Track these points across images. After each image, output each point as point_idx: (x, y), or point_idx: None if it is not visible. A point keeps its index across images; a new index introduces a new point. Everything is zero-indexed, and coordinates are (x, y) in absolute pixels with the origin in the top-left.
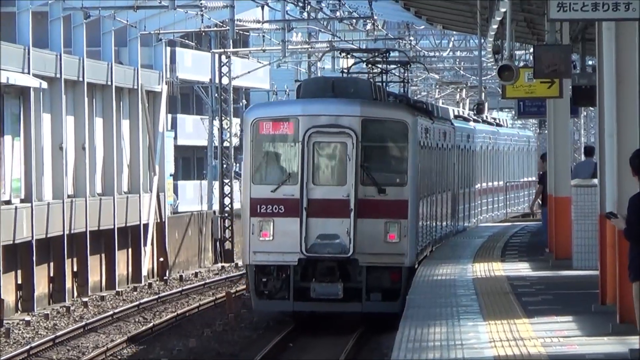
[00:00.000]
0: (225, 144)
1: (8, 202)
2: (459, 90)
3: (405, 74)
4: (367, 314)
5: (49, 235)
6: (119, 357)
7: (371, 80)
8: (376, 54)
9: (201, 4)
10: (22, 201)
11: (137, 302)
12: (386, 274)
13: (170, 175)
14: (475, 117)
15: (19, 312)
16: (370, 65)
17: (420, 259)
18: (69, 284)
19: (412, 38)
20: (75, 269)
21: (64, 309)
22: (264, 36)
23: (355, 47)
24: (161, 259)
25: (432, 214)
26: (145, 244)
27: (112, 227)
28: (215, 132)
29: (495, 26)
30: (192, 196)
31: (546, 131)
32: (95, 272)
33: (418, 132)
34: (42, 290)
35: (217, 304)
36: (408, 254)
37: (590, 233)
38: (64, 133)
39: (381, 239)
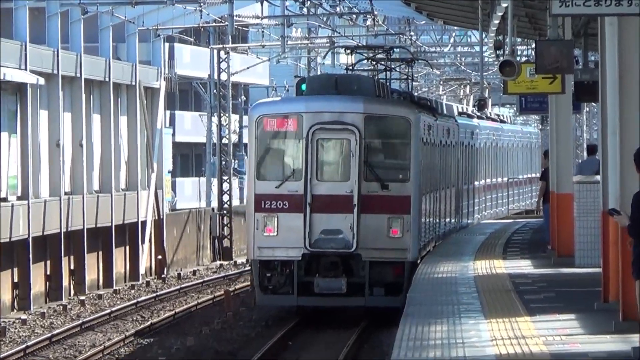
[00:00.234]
0: (224, 140)
1: (4, 200)
2: (462, 86)
3: (409, 71)
4: (370, 309)
5: (45, 233)
6: (117, 356)
7: (374, 77)
8: (379, 51)
9: None
10: (18, 198)
11: (134, 301)
12: (389, 269)
13: (169, 172)
14: (479, 114)
15: (15, 311)
16: (374, 63)
17: (423, 255)
18: (65, 282)
19: (412, 33)
20: (72, 267)
21: (61, 307)
22: (263, 32)
23: (359, 44)
24: (159, 257)
25: (435, 210)
26: (143, 242)
27: (110, 224)
28: (214, 128)
29: (496, 21)
30: (191, 193)
31: (548, 127)
32: (92, 270)
33: (421, 128)
34: (38, 288)
35: (216, 302)
36: (411, 249)
37: (592, 230)
38: (61, 130)
39: (384, 234)
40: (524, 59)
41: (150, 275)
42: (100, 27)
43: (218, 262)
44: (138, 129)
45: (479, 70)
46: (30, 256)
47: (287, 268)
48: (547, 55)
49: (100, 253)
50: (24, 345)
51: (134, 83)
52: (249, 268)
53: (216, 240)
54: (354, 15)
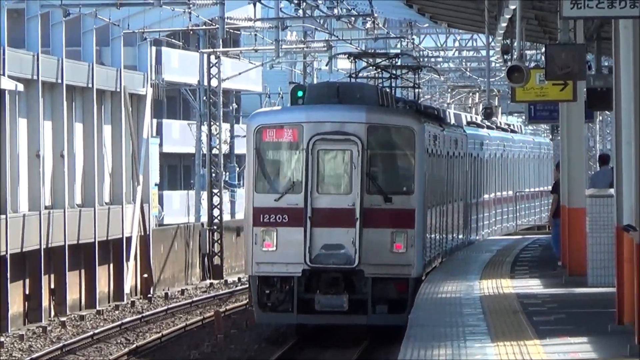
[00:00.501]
0: (215, 151)
1: None
2: (471, 94)
3: (415, 79)
4: (372, 327)
5: (24, 250)
6: None
7: (377, 85)
8: (385, 58)
9: (189, 0)
10: None
11: (119, 322)
12: (392, 285)
13: (155, 184)
14: (489, 124)
15: None
16: (379, 70)
17: (429, 271)
18: (45, 302)
19: (414, 37)
20: (52, 286)
21: (40, 329)
22: (256, 35)
23: (359, 49)
24: (145, 275)
25: (441, 224)
26: (128, 259)
27: (93, 240)
28: (204, 138)
29: (504, 24)
30: (179, 207)
31: (559, 138)
32: (74, 290)
33: (425, 139)
34: (16, 309)
35: (205, 324)
36: (415, 265)
37: (606, 247)
38: (41, 139)
39: (387, 249)
40: (533, 64)
41: (136, 294)
42: (83, 30)
43: (208, 281)
44: (123, 138)
45: (485, 76)
46: (8, 274)
47: (287, 284)
48: (558, 61)
49: (83, 271)
50: None
51: (118, 89)
52: (245, 286)
53: (206, 258)
54: (353, 18)
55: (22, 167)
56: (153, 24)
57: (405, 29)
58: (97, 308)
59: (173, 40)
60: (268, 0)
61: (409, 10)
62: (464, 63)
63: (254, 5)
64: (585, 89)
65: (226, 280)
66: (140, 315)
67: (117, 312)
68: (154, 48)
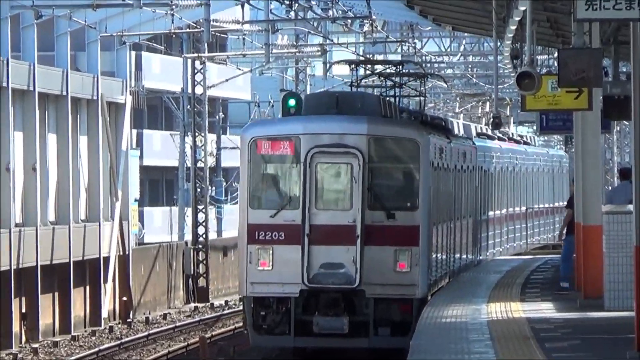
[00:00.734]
0: (199, 164)
1: None
2: (480, 103)
3: (421, 88)
4: (374, 351)
5: None
6: None
7: (379, 95)
8: (388, 65)
9: (171, 2)
10: None
11: (96, 349)
12: (396, 306)
13: (135, 200)
14: (500, 135)
15: None
16: (382, 78)
17: (434, 292)
18: (16, 327)
19: (416, 41)
20: (23, 310)
21: (10, 356)
22: (244, 39)
23: (357, 54)
24: (124, 298)
25: (448, 242)
26: (105, 281)
27: (67, 260)
28: (188, 150)
29: (513, 27)
30: (161, 225)
31: (573, 150)
32: (47, 314)
33: (431, 151)
34: None
35: (190, 350)
36: (420, 285)
37: (624, 268)
38: (11, 152)
39: (390, 268)
40: (544, 70)
41: (114, 319)
42: (56, 33)
43: (192, 305)
44: (100, 150)
45: (492, 83)
46: None
47: (283, 306)
48: (572, 66)
49: (56, 294)
50: None
51: (95, 97)
52: (233, 310)
53: (190, 279)
54: (349, 20)
55: None
56: (132, 26)
57: (406, 32)
58: (72, 334)
59: (154, 44)
60: (257, 1)
61: (410, 12)
62: (469, 69)
63: (242, 6)
64: (601, 97)
65: (212, 304)
66: (119, 342)
67: (93, 338)
68: (133, 53)
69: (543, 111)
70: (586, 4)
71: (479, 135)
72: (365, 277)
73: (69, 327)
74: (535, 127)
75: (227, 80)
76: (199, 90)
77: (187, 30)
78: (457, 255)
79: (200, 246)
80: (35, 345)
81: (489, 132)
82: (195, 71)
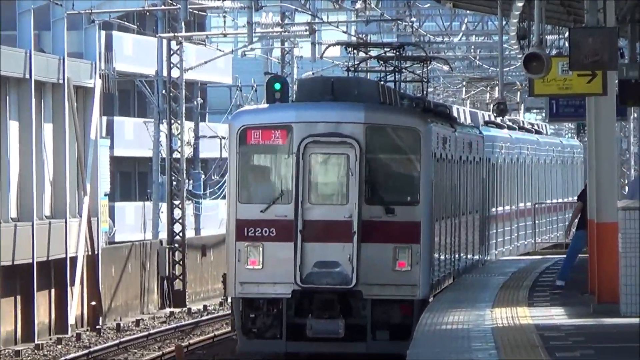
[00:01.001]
0: (176, 154)
1: None
2: (488, 88)
3: (424, 72)
4: (372, 356)
5: None
6: None
7: (378, 80)
8: (388, 49)
9: None
10: None
11: (62, 359)
12: (395, 308)
13: (105, 195)
14: (510, 124)
15: None
16: (382, 63)
17: (436, 292)
18: None
19: (414, 19)
20: None
21: None
22: (224, 17)
23: (365, 41)
24: (93, 303)
25: (452, 239)
26: (72, 284)
27: (30, 261)
28: (163, 139)
29: (520, 4)
30: (133, 222)
31: (586, 139)
32: (7, 320)
33: (433, 141)
34: None
35: None
36: (420, 285)
37: None
38: None
39: (389, 267)
40: (554, 51)
41: (82, 326)
42: (18, 10)
43: (168, 310)
44: (67, 139)
45: (497, 66)
46: None
47: (275, 307)
48: (585, 47)
49: (18, 298)
50: None
51: (61, 81)
52: (213, 316)
53: (165, 282)
54: None
55: None
56: (102, 3)
57: (402, 9)
58: (36, 342)
59: (126, 23)
60: None
61: None
62: (472, 50)
63: None
64: (616, 81)
65: (189, 309)
66: (87, 351)
67: (59, 346)
68: (103, 32)
69: (553, 96)
70: None
71: (486, 123)
72: (363, 277)
73: (32, 335)
74: (544, 114)
75: (206, 62)
76: (175, 73)
77: (162, 7)
78: (462, 254)
79: (176, 245)
80: None
81: (498, 121)
82: (171, 52)
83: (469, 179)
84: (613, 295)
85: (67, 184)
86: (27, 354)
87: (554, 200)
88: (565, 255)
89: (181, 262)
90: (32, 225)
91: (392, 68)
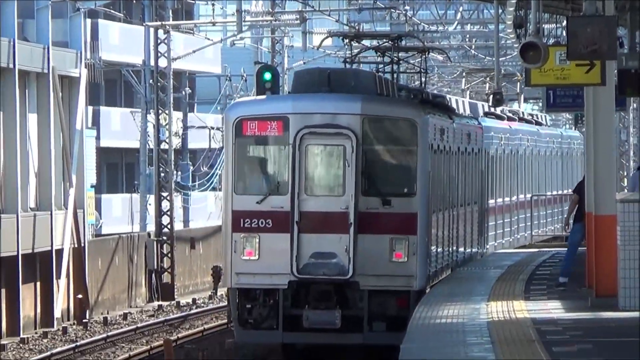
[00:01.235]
0: (163, 145)
1: None
2: (488, 79)
3: (422, 63)
4: (369, 347)
5: None
6: None
7: (374, 71)
8: (386, 39)
9: None
10: None
11: (47, 353)
12: (392, 299)
13: (92, 186)
14: (510, 115)
15: None
16: (379, 54)
17: (434, 284)
18: None
19: (407, 7)
20: None
21: None
22: (213, 5)
23: (363, 32)
24: (79, 296)
25: (450, 231)
26: (58, 277)
27: (15, 253)
28: (150, 129)
29: None
30: (120, 214)
31: (584, 129)
32: None
33: (430, 132)
34: None
35: (153, 355)
36: (417, 276)
37: None
38: None
39: (386, 258)
40: (552, 40)
41: (68, 319)
42: None
43: (156, 303)
44: (52, 130)
45: (493, 56)
46: None
47: (271, 298)
48: (583, 36)
49: (3, 291)
50: None
51: (46, 71)
52: (202, 309)
53: (153, 275)
54: None
55: None
56: None
57: None
58: (21, 336)
59: (112, 11)
60: None
61: None
62: (467, 40)
63: None
64: (615, 71)
65: (178, 302)
66: (73, 345)
67: (45, 340)
68: (89, 21)
69: (550, 86)
70: None
71: (486, 114)
72: (359, 268)
73: (17, 329)
74: (541, 104)
75: (194, 51)
76: (162, 62)
77: None
78: (461, 246)
79: (164, 238)
80: None
81: (498, 112)
82: (159, 41)
83: (467, 170)
84: (611, 288)
85: (53, 176)
86: (12, 348)
87: (554, 192)
88: (565, 250)
89: (169, 255)
90: (17, 217)
91: (390, 59)
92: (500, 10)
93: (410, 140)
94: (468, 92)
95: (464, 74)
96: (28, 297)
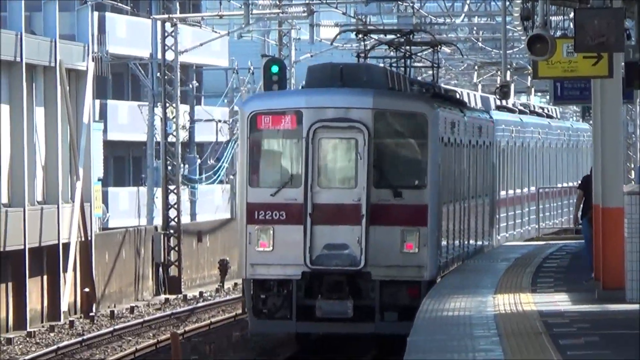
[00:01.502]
0: (171, 139)
1: None
2: (499, 73)
3: (434, 58)
4: (380, 336)
5: None
6: None
7: (386, 66)
8: (398, 35)
9: None
10: None
11: (54, 347)
12: (403, 289)
13: (99, 180)
14: (522, 108)
15: None
16: (392, 48)
17: (445, 274)
18: None
19: (414, 0)
20: None
21: None
22: None
23: (375, 27)
24: (86, 290)
25: (461, 223)
26: (65, 270)
27: (22, 247)
28: (158, 123)
29: None
30: (127, 207)
31: (591, 122)
32: None
33: (440, 125)
34: None
35: (160, 348)
36: (428, 267)
37: None
38: None
39: (397, 250)
40: (559, 33)
41: (75, 313)
42: None
43: (163, 297)
44: (59, 123)
45: (500, 48)
46: None
47: (285, 289)
48: (590, 28)
49: (10, 285)
50: None
51: (53, 64)
52: (209, 302)
53: (160, 268)
54: None
55: None
56: None
57: None
58: (28, 329)
59: (119, 4)
60: None
61: None
62: (475, 32)
63: None
64: (623, 63)
65: (185, 296)
66: (80, 338)
67: (52, 334)
68: (96, 14)
69: (557, 79)
70: None
71: (498, 108)
72: (371, 259)
73: (24, 322)
74: (548, 97)
75: (201, 44)
76: (169, 55)
77: None
78: (472, 237)
79: (171, 231)
80: None
81: (510, 105)
82: (166, 34)
83: (478, 163)
84: (618, 281)
85: (60, 169)
86: (18, 342)
87: (565, 184)
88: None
89: (176, 248)
90: (24, 211)
91: (402, 54)
92: (507, 3)
93: (420, 134)
94: (480, 86)
95: (475, 67)
96: (35, 291)
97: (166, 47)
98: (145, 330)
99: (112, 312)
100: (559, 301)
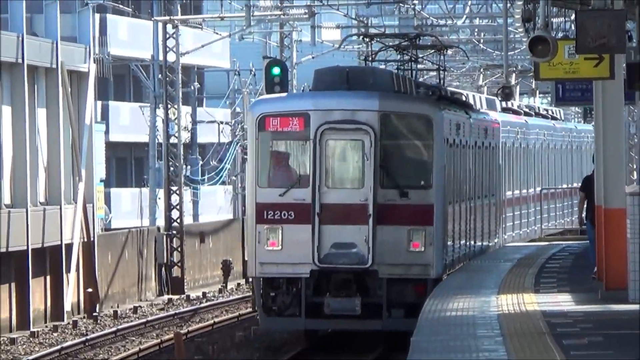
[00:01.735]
0: (172, 140)
1: None
2: (504, 75)
3: (441, 61)
4: (388, 333)
5: None
6: None
7: (392, 69)
8: (404, 39)
9: None
10: None
11: (58, 347)
12: (409, 287)
13: (101, 180)
14: (527, 110)
15: None
16: (397, 52)
17: (451, 272)
18: None
19: (416, 2)
20: None
21: None
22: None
23: (382, 32)
24: (89, 290)
25: (467, 222)
26: (68, 270)
27: (25, 248)
28: (159, 124)
29: None
30: (130, 208)
31: (593, 123)
32: (3, 307)
33: (445, 127)
34: None
35: (163, 348)
36: (434, 265)
37: None
38: None
39: (404, 248)
40: (560, 34)
41: (78, 313)
42: None
43: (166, 297)
44: (61, 125)
45: (502, 50)
46: None
47: (294, 286)
48: (592, 30)
49: (13, 285)
50: None
51: (54, 66)
52: (212, 302)
53: (163, 269)
54: None
55: None
56: None
57: None
58: (31, 329)
59: (121, 6)
60: None
61: None
62: (476, 34)
63: None
64: (624, 65)
65: (188, 296)
66: (83, 338)
67: (55, 334)
68: (97, 15)
69: (559, 80)
70: None
71: (504, 110)
72: (378, 257)
73: (28, 322)
74: (550, 98)
75: (203, 46)
76: (171, 57)
77: None
78: (477, 237)
79: (174, 232)
80: None
81: (515, 107)
82: (167, 36)
83: (484, 164)
84: (621, 281)
85: (62, 170)
86: (22, 342)
87: (569, 185)
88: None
89: (179, 249)
90: (27, 212)
91: (409, 57)
92: (508, 4)
93: (426, 135)
94: (485, 88)
95: (481, 69)
96: (38, 291)
97: (167, 49)
98: (148, 330)
99: (115, 312)
100: (562, 301)
